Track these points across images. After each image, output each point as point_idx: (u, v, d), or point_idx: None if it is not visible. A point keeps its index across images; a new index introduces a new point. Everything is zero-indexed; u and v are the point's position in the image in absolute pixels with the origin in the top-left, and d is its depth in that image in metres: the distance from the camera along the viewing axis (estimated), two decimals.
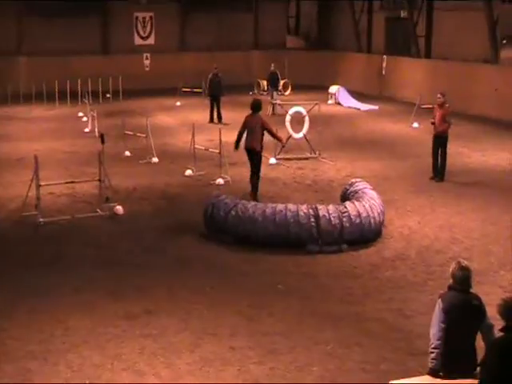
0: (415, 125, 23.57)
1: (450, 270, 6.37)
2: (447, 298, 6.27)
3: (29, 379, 7.48)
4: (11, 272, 10.71)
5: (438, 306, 6.28)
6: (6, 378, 7.48)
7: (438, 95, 16.03)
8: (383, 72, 32.72)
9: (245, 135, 14.64)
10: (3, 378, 7.47)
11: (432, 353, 6.31)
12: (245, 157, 17.19)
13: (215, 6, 38.00)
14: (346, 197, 12.89)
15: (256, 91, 33.84)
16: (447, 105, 16.04)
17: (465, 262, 6.38)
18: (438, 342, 6.23)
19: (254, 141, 14.41)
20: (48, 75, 31.83)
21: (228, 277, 10.47)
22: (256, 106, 14.65)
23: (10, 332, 8.62)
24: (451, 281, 6.35)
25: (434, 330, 6.27)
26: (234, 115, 26.27)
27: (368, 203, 11.87)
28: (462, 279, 6.27)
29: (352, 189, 12.93)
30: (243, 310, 9.17)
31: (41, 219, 12.94)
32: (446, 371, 6.31)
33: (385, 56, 32.91)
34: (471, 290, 6.40)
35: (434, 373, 6.35)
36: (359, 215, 11.53)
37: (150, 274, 10.61)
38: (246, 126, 14.56)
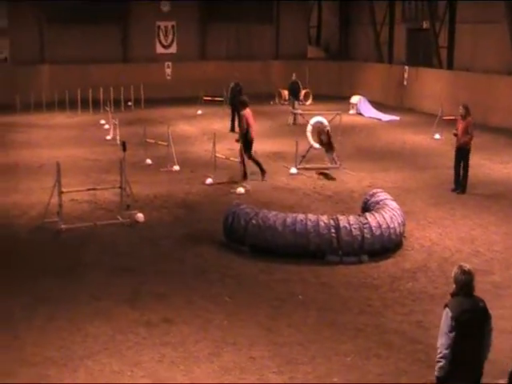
0: (437, 136, 23.46)
1: (453, 275, 6.22)
2: (455, 305, 6.13)
3: None
4: (31, 278, 10.77)
5: (447, 314, 6.13)
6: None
7: (460, 107, 15.96)
8: (405, 83, 32.63)
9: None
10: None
11: (440, 362, 6.20)
12: (264, 166, 17.27)
13: (236, 16, 38.18)
14: (366, 207, 12.85)
15: (277, 101, 33.87)
16: (470, 117, 15.95)
17: (467, 266, 6.20)
18: (447, 352, 6.14)
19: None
20: (70, 83, 32.15)
21: (246, 286, 10.46)
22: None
23: (29, 338, 8.67)
24: (454, 287, 6.22)
25: (443, 340, 6.14)
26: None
27: (389, 214, 11.82)
28: (466, 283, 6.15)
29: (373, 199, 12.88)
30: (262, 320, 9.15)
31: (62, 226, 13.02)
32: (454, 379, 6.19)
33: (406, 67, 32.83)
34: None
35: (441, 382, 6.25)
36: (380, 226, 11.48)
37: (168, 283, 10.62)
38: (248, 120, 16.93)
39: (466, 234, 12.94)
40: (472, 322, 6.13)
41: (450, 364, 6.13)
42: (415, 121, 28.32)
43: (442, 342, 6.13)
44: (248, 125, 16.75)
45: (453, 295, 6.22)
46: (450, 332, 6.08)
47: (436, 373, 6.21)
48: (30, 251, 12.17)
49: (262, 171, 17.06)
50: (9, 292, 10.19)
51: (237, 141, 17.38)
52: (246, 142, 16.79)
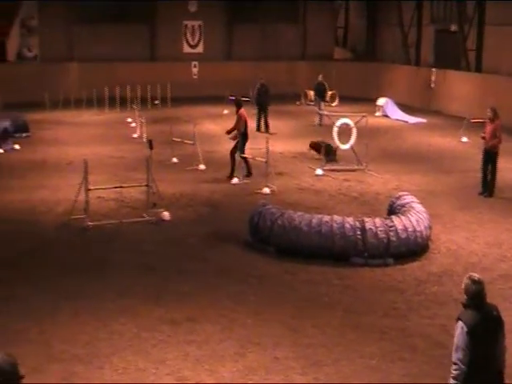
0: (464, 139, 23.27)
1: (463, 286, 6.10)
2: (469, 319, 5.95)
3: (74, 382, 7.58)
4: (57, 275, 10.88)
5: (462, 329, 5.93)
6: (52, 380, 7.59)
7: (488, 110, 15.83)
8: (432, 85, 32.41)
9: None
10: (49, 380, 7.58)
11: (457, 377, 6.04)
12: (290, 167, 17.28)
13: (263, 16, 38.23)
14: (392, 210, 12.78)
15: (303, 101, 33.83)
16: (498, 120, 15.82)
17: (476, 276, 6.09)
18: (465, 368, 6.00)
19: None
20: (98, 81, 32.40)
21: (271, 286, 10.47)
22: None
23: (55, 334, 8.75)
24: (465, 297, 6.08)
25: (460, 355, 5.93)
26: (281, 124, 26.41)
27: (415, 217, 11.75)
28: (477, 293, 6.05)
29: (399, 202, 12.82)
30: (287, 321, 9.16)
31: (89, 223, 13.13)
32: None
33: (434, 69, 32.60)
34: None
35: None
36: (406, 229, 11.43)
37: (192, 281, 10.66)
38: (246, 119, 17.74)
39: (493, 238, 12.82)
40: (487, 332, 6.03)
41: (467, 376, 6.01)
42: (442, 123, 28.13)
43: (459, 356, 5.96)
44: (246, 124, 17.52)
45: (465, 306, 6.08)
46: (467, 347, 5.93)
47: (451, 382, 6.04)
48: (56, 248, 12.29)
49: (249, 172, 17.39)
50: (36, 288, 10.30)
51: (233, 139, 17.69)
52: (244, 140, 17.38)
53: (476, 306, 6.03)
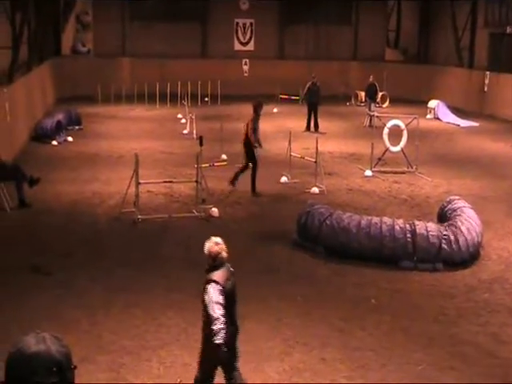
0: None
1: None
2: None
3: (122, 373, 7.67)
4: (109, 266, 11.04)
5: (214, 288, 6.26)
6: (100, 371, 7.69)
7: None
8: (485, 89, 31.88)
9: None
10: (98, 370, 7.68)
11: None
12: (339, 167, 17.19)
13: (314, 16, 38.14)
14: (443, 214, 12.61)
15: (353, 102, 33.63)
16: None
17: None
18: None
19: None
20: (149, 76, 32.73)
21: (318, 287, 10.43)
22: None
23: (105, 325, 8.87)
24: None
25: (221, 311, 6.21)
26: (330, 125, 26.29)
27: (466, 223, 11.57)
28: None
29: (450, 206, 12.63)
30: (335, 322, 9.11)
31: (139, 216, 13.27)
32: None
33: (488, 72, 32.05)
34: None
35: None
36: (457, 235, 11.25)
37: (240, 279, 10.55)
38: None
39: None
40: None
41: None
42: (495, 128, 27.63)
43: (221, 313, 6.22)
44: (246, 130, 16.24)
45: None
46: (222, 304, 6.24)
47: None
48: (108, 239, 12.48)
49: (234, 179, 16.18)
50: (90, 278, 10.49)
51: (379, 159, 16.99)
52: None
53: None
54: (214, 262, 6.56)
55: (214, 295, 6.36)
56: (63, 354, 2.82)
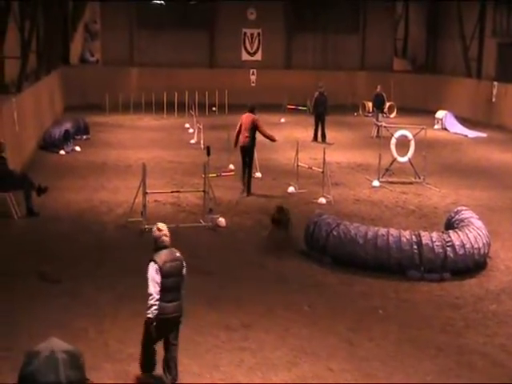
0: None
1: None
2: None
3: (129, 381, 7.67)
4: (117, 274, 11.06)
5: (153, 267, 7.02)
6: (106, 378, 7.69)
7: None
8: (493, 99, 31.85)
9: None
10: (104, 378, 7.69)
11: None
12: (346, 177, 17.16)
13: (322, 25, 38.25)
14: (450, 225, 12.60)
15: (361, 112, 33.65)
16: None
17: None
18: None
19: (246, 138, 16.71)
20: (157, 86, 32.85)
21: (326, 297, 10.43)
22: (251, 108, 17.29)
23: (112, 333, 8.89)
24: None
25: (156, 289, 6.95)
26: (338, 135, 26.31)
27: (473, 233, 11.56)
28: None
29: (457, 217, 12.63)
30: (342, 332, 9.10)
31: (146, 226, 13.29)
32: None
33: (495, 83, 32.02)
34: None
35: None
36: (463, 245, 11.24)
37: (248, 288, 10.69)
38: (240, 124, 17.17)
39: None
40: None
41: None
42: (503, 138, 27.60)
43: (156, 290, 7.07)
44: (239, 129, 17.20)
45: None
46: (158, 283, 7.06)
47: None
48: (116, 248, 12.52)
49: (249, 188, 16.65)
50: (97, 286, 10.51)
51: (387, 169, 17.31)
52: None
53: None
54: (156, 245, 7.41)
55: (151, 273, 7.25)
56: (77, 380, 2.73)
